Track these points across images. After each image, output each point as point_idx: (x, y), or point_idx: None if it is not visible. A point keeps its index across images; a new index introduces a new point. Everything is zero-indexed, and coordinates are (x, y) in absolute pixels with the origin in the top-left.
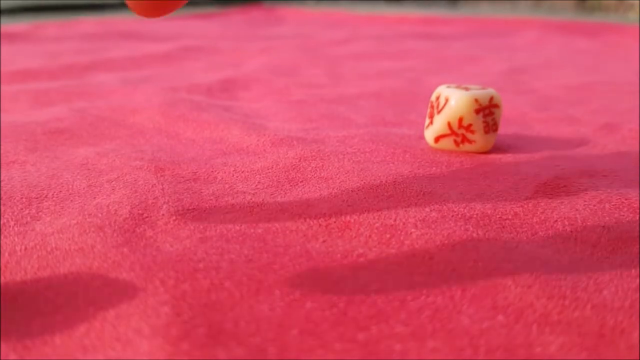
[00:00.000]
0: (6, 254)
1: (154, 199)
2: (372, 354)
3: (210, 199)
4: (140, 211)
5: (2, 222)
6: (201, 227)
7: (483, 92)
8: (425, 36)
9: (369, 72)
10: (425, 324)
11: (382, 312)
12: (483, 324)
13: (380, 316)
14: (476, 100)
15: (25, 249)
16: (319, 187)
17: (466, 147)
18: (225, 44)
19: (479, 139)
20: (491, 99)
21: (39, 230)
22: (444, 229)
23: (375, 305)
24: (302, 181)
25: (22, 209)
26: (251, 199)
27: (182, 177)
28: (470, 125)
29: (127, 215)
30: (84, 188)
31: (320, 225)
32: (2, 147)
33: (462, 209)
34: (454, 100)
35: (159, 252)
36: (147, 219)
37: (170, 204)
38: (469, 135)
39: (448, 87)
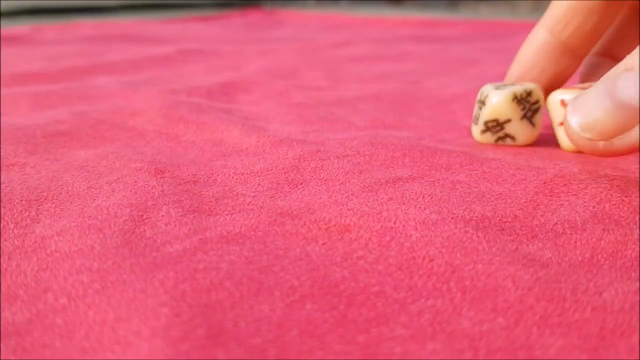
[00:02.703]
0: (6, 257)
1: (153, 200)
2: (372, 356)
3: (210, 201)
4: (140, 213)
5: (2, 225)
6: (201, 228)
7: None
8: (425, 39)
9: (369, 75)
10: (425, 327)
11: (382, 314)
12: (483, 326)
13: (380, 319)
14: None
15: (25, 251)
16: (318, 188)
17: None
18: (225, 47)
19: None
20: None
21: (38, 232)
22: (444, 230)
23: (375, 308)
24: (301, 182)
25: (21, 211)
26: (251, 201)
27: (182, 179)
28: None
29: (127, 217)
30: (83, 190)
31: (320, 228)
32: (2, 149)
33: (461, 212)
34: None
35: (158, 253)
36: (146, 220)
37: (170, 205)
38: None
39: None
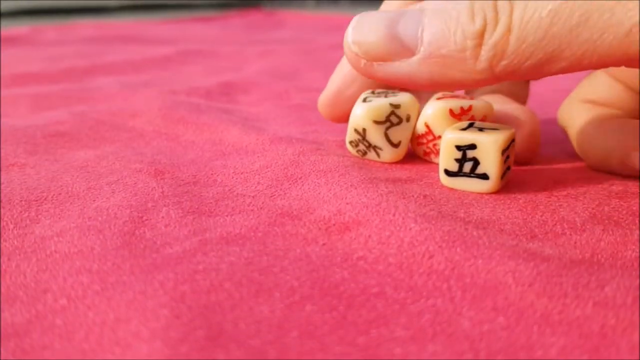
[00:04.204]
0: (6, 257)
1: (153, 202)
2: (372, 358)
3: (210, 202)
4: (139, 214)
5: (1, 225)
6: (201, 229)
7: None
8: None
9: None
10: (425, 328)
11: (382, 315)
12: (483, 326)
13: (380, 320)
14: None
15: (25, 252)
16: (317, 181)
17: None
18: (224, 48)
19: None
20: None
21: (38, 233)
22: (444, 225)
23: (375, 309)
24: (301, 177)
25: (21, 212)
26: (251, 202)
27: (182, 180)
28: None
29: (127, 218)
30: (83, 191)
31: (320, 228)
32: (2, 150)
33: (461, 214)
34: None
35: (158, 254)
36: (146, 221)
37: (170, 206)
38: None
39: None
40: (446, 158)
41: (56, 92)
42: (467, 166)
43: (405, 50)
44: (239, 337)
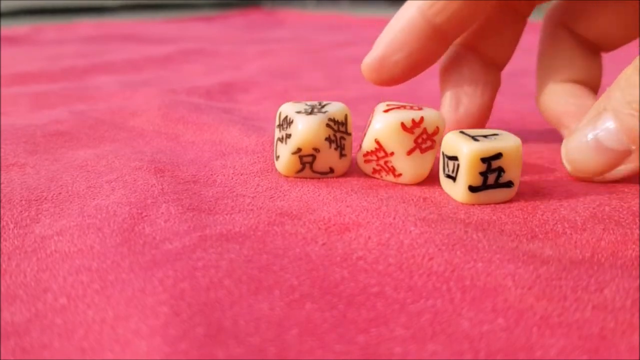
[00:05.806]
0: (6, 257)
1: (153, 198)
2: (371, 356)
3: (210, 201)
4: (139, 210)
5: (1, 225)
6: (200, 226)
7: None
8: None
9: None
10: (425, 327)
11: (381, 314)
12: (483, 327)
13: (379, 319)
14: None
15: (25, 251)
16: (318, 185)
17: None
18: (224, 47)
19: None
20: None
21: (38, 232)
22: (443, 228)
23: (374, 308)
24: (301, 179)
25: (21, 211)
26: (250, 202)
27: (182, 178)
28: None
29: (126, 215)
30: (83, 190)
31: (319, 228)
32: (2, 149)
33: (461, 215)
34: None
35: (157, 250)
36: (145, 217)
37: (169, 203)
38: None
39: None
40: (470, 174)
41: (56, 91)
42: (492, 177)
43: (620, 154)
44: (238, 335)
